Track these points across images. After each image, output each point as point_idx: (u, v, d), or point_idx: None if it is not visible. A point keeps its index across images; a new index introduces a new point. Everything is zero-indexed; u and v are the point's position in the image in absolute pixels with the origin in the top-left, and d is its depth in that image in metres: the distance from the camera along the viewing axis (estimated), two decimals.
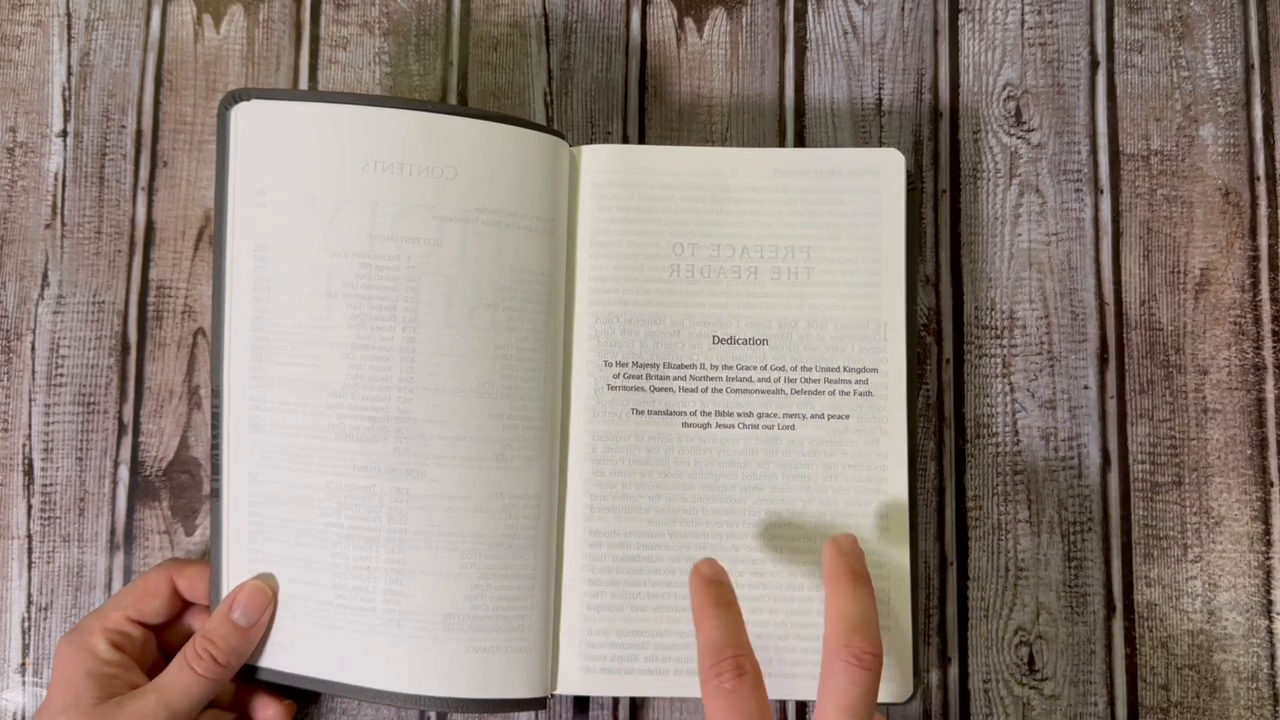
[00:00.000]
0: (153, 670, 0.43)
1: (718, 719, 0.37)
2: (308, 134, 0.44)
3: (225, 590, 0.43)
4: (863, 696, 0.37)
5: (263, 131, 0.44)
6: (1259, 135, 0.49)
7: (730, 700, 0.37)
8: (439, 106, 0.46)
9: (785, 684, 0.44)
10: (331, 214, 0.44)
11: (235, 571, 0.44)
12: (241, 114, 0.44)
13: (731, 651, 0.38)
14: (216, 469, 0.44)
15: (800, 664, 0.44)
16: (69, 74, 0.50)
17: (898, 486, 0.45)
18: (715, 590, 0.40)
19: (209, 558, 0.44)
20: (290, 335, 0.43)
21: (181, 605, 0.45)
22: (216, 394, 0.44)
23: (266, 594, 0.43)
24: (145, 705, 0.40)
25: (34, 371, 0.49)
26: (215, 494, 0.44)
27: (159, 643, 0.44)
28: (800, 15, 0.51)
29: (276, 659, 0.43)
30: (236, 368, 0.44)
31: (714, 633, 0.38)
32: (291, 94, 0.47)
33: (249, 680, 0.44)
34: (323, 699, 0.47)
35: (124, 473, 0.48)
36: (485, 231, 0.44)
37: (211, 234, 0.49)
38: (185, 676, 0.41)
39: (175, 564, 0.44)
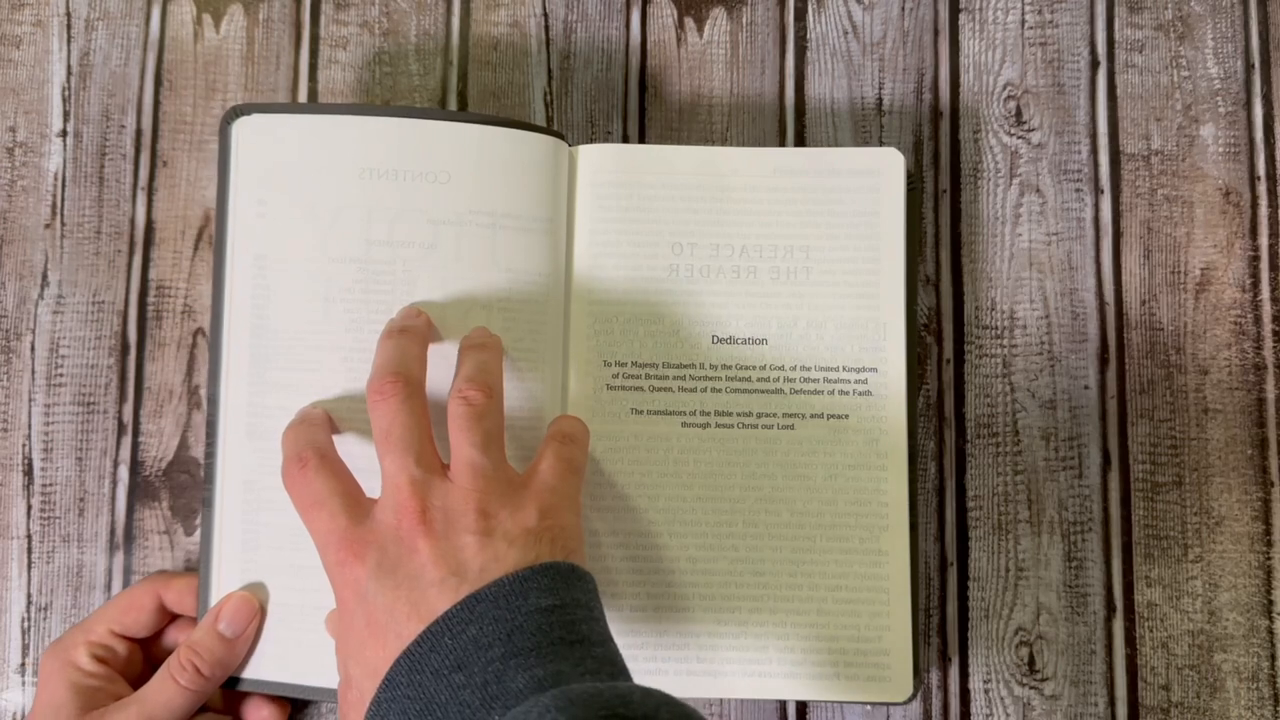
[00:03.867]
0: (139, 682, 0.42)
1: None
2: (306, 145, 0.44)
3: (214, 601, 0.43)
4: (389, 422, 0.38)
5: (263, 144, 0.45)
6: (1259, 135, 0.49)
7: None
8: (431, 112, 0.47)
9: (786, 684, 0.44)
10: (329, 221, 0.44)
11: (226, 581, 0.44)
12: (242, 128, 0.45)
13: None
14: (209, 478, 0.44)
15: (801, 664, 0.44)
16: (69, 74, 0.50)
17: (898, 486, 0.45)
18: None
19: (199, 566, 0.44)
20: (289, 341, 0.44)
21: (168, 618, 0.44)
22: (212, 402, 0.44)
23: (253, 605, 0.43)
24: (127, 717, 0.40)
25: (34, 371, 0.49)
26: (207, 503, 0.44)
27: (146, 655, 0.44)
28: (800, 15, 0.51)
29: (267, 668, 0.43)
30: (235, 375, 0.44)
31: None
32: (291, 107, 0.48)
33: (233, 689, 0.44)
34: (317, 701, 0.47)
35: (124, 473, 0.48)
36: (479, 233, 0.44)
37: (211, 234, 0.49)
38: (168, 688, 0.41)
39: (163, 577, 0.44)
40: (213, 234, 0.48)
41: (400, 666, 0.34)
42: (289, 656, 0.43)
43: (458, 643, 0.34)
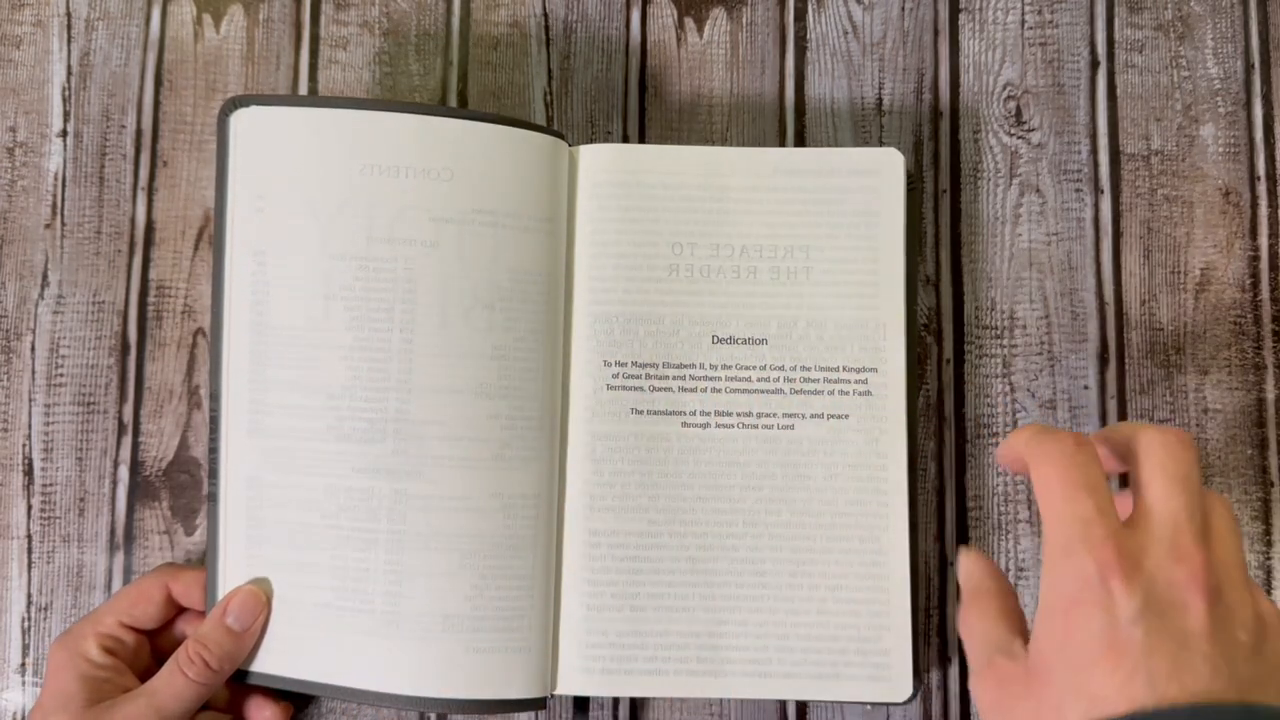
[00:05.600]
0: (146, 674, 0.42)
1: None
2: (306, 139, 0.44)
3: (221, 595, 0.43)
4: (1190, 468, 0.33)
5: (261, 137, 0.44)
6: (1259, 135, 0.49)
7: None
8: (435, 109, 0.46)
9: (785, 684, 0.44)
10: (329, 217, 0.44)
11: (232, 576, 0.44)
12: (240, 120, 0.44)
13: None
14: (214, 474, 0.44)
15: (800, 664, 0.44)
16: (69, 74, 0.50)
17: (898, 486, 0.45)
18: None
19: (206, 561, 0.44)
20: (289, 338, 0.43)
21: (175, 610, 0.44)
22: (215, 398, 0.44)
23: (260, 599, 0.43)
24: (136, 710, 0.40)
25: (34, 371, 0.49)
26: (212, 499, 0.44)
27: (153, 647, 0.44)
28: (800, 15, 0.51)
29: (273, 663, 0.43)
30: (235, 372, 0.44)
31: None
32: (290, 99, 0.47)
33: (241, 683, 0.44)
34: (320, 699, 0.47)
35: (124, 473, 0.48)
36: (482, 232, 0.44)
37: (211, 234, 0.49)
38: (177, 681, 0.41)
39: (170, 569, 0.44)
40: (213, 237, 0.48)
41: None
42: (290, 652, 0.43)
43: None
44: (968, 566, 0.37)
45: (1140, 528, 0.33)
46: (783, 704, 0.47)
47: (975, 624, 0.35)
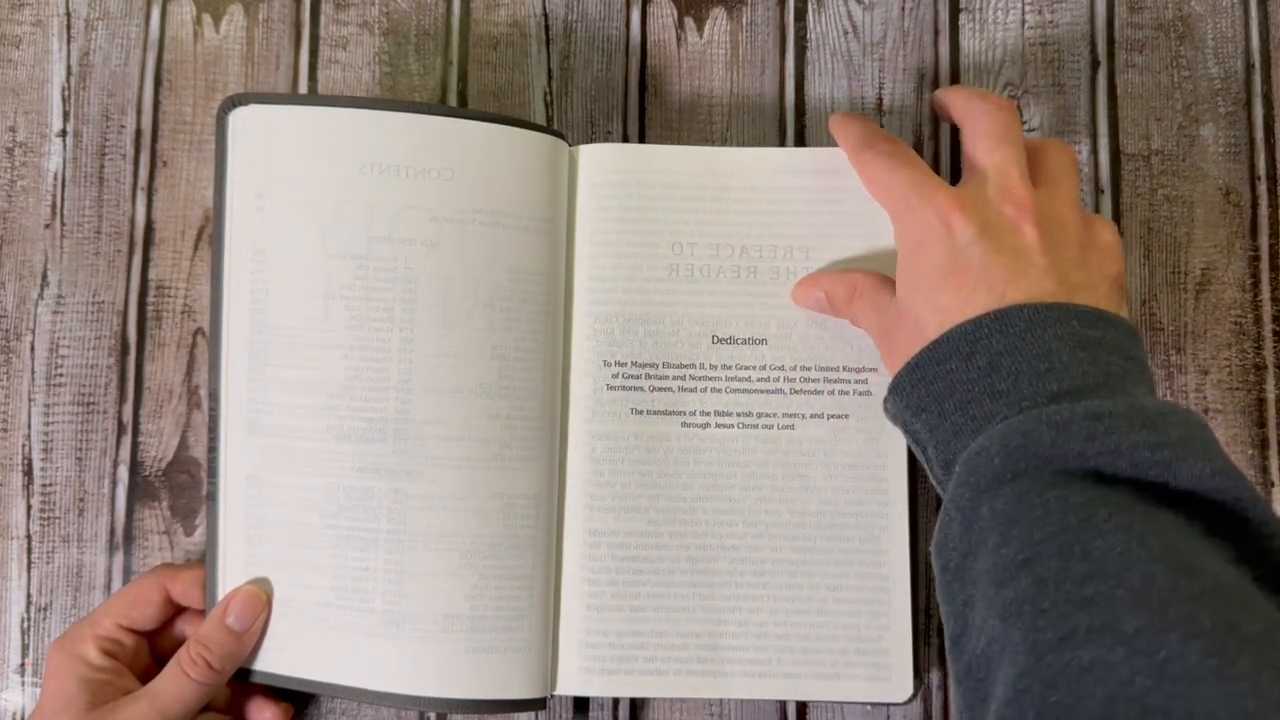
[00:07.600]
0: (146, 675, 0.42)
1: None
2: (305, 137, 0.44)
3: (221, 595, 0.43)
4: (1007, 127, 0.40)
5: (261, 136, 0.44)
6: (1260, 135, 0.49)
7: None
8: (435, 108, 0.46)
9: (785, 684, 0.44)
10: (329, 217, 0.44)
11: (232, 575, 0.44)
12: (239, 119, 0.44)
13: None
14: (213, 473, 0.44)
15: (801, 664, 0.44)
16: (69, 74, 0.50)
17: (898, 486, 0.45)
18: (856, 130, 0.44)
19: (205, 561, 0.44)
20: (288, 337, 0.43)
21: (174, 611, 0.44)
22: (214, 397, 0.44)
23: (261, 599, 0.43)
24: (139, 711, 0.40)
25: (33, 371, 0.49)
26: (211, 498, 0.44)
27: (152, 648, 0.44)
28: (800, 15, 0.51)
29: (273, 662, 0.43)
30: (234, 371, 0.44)
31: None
32: (289, 98, 0.47)
33: (242, 683, 0.44)
34: (321, 700, 0.47)
35: (123, 473, 0.48)
36: (482, 232, 0.44)
37: (211, 234, 0.49)
38: (179, 682, 0.41)
39: (168, 570, 0.44)
40: (211, 237, 0.48)
41: (1001, 317, 0.36)
42: (291, 651, 0.43)
43: (1052, 331, 0.35)
44: (827, 288, 0.44)
45: (970, 181, 0.40)
46: (783, 704, 0.47)
47: (863, 310, 0.43)
